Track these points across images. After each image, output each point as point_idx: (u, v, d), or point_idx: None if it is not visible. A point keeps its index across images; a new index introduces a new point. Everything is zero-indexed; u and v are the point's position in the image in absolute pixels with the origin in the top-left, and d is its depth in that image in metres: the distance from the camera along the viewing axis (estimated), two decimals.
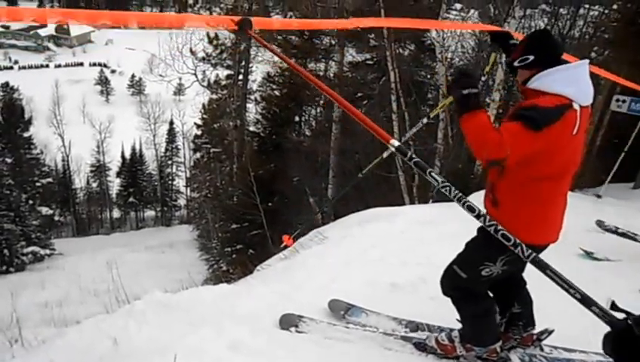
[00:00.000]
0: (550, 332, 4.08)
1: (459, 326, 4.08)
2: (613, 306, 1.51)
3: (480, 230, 3.72)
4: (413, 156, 2.78)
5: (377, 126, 3.02)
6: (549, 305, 4.50)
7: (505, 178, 3.41)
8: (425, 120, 3.97)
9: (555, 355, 4.11)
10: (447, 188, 2.67)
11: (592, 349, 4.10)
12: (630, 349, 1.50)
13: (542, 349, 4.16)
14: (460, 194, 2.68)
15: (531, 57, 3.40)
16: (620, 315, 1.80)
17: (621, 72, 9.39)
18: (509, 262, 3.55)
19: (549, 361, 4.02)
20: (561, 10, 16.66)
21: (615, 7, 15.56)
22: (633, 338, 1.48)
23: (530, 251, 2.45)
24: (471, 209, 2.63)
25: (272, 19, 11.93)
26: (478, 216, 2.59)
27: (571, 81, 3.28)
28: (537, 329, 4.10)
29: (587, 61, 3.40)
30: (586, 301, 2.03)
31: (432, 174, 2.71)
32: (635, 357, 1.49)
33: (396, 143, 2.79)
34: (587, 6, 16.30)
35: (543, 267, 2.25)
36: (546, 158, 3.21)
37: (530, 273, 3.98)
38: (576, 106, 3.24)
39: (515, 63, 3.48)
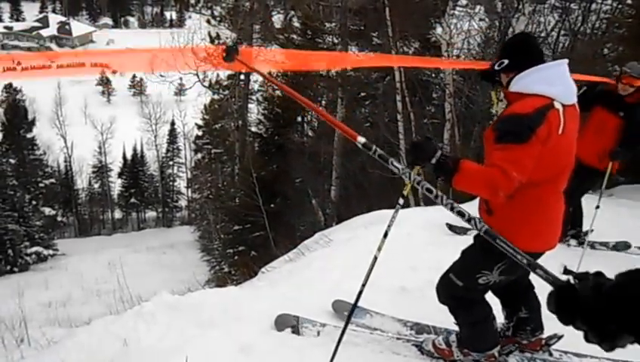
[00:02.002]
0: (560, 338, 4.07)
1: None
2: (565, 271, 1.58)
3: (476, 238, 3.74)
4: (377, 150, 2.82)
5: (343, 124, 3.09)
6: None
7: None
8: (401, 201, 3.98)
9: (565, 360, 4.11)
10: (412, 176, 2.77)
11: (603, 355, 4.10)
12: (569, 303, 1.56)
13: (551, 354, 4.15)
14: (427, 184, 2.78)
15: (506, 61, 3.43)
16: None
17: None
18: (505, 270, 3.54)
19: None
20: (572, 5, 16.44)
21: (629, 1, 15.35)
22: (573, 293, 1.54)
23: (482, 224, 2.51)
24: (429, 190, 2.72)
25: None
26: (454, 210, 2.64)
27: (550, 81, 3.26)
28: (547, 333, 4.09)
29: (566, 60, 3.39)
30: (532, 265, 2.13)
31: (394, 163, 2.76)
32: (574, 310, 1.55)
33: (362, 140, 2.84)
34: (600, 1, 16.03)
35: (493, 238, 2.34)
36: (538, 163, 3.16)
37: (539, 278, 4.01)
38: (558, 105, 3.22)
39: (495, 67, 3.49)
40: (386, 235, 3.79)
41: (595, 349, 3.98)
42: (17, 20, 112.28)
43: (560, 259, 3.81)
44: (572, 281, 1.58)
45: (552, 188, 3.44)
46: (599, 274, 1.56)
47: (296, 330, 4.44)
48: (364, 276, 3.82)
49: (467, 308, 3.81)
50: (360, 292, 3.80)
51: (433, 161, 3.05)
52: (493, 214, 3.46)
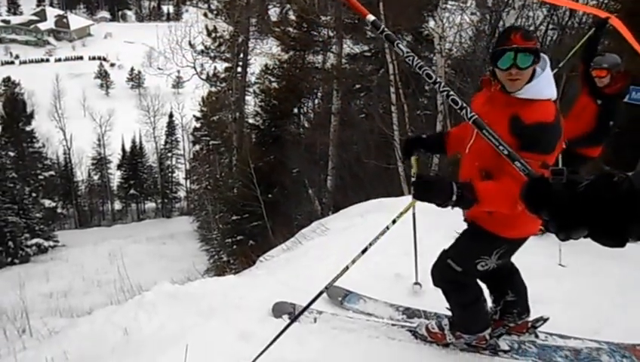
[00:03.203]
0: (545, 320, 4.17)
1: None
2: (553, 172, 1.68)
3: (470, 223, 3.77)
4: (384, 29, 2.70)
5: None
6: (544, 293, 4.62)
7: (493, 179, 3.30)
8: (392, 225, 4.18)
9: (550, 342, 4.17)
10: (411, 57, 2.62)
11: (586, 336, 4.21)
12: (540, 195, 1.68)
13: (537, 336, 4.22)
14: (422, 63, 2.62)
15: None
16: None
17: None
18: (503, 254, 3.60)
19: (538, 347, 4.08)
20: None
21: None
22: (546, 186, 1.66)
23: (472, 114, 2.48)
24: (429, 76, 2.60)
25: None
26: (458, 105, 2.56)
27: (551, 82, 3.25)
28: (533, 316, 4.17)
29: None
30: (512, 156, 2.20)
31: (400, 46, 2.63)
32: (543, 202, 1.68)
33: (372, 18, 2.71)
34: None
35: (481, 127, 2.37)
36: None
37: (527, 264, 4.11)
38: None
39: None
40: (364, 251, 3.96)
41: (578, 330, 4.08)
42: (15, 14, 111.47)
43: (541, 247, 3.92)
44: (548, 175, 1.68)
45: None
46: (574, 171, 1.66)
47: (293, 317, 4.50)
48: (338, 273, 4.10)
49: (460, 291, 3.85)
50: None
51: (454, 198, 2.96)
52: (491, 213, 3.44)
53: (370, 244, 4.20)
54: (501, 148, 2.30)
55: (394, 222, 4.34)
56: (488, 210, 3.31)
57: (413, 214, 4.97)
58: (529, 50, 3.11)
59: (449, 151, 4.05)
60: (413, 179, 3.30)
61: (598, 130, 6.45)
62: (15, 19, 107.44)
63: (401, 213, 4.35)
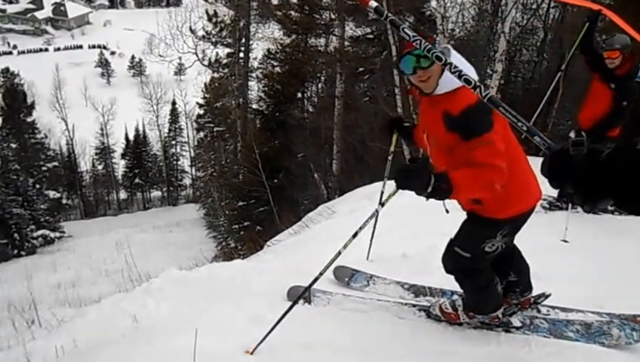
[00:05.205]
0: (547, 296, 4.22)
1: (461, 291, 4.18)
2: (574, 143, 1.63)
3: (469, 212, 3.81)
4: (389, 15, 2.61)
5: None
6: (547, 269, 4.60)
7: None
8: (380, 208, 4.30)
9: (554, 316, 4.23)
10: (418, 41, 2.52)
11: (588, 308, 4.22)
12: (562, 169, 1.65)
13: (539, 311, 4.30)
14: (430, 45, 2.52)
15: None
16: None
17: None
18: (507, 233, 3.64)
19: (549, 322, 4.12)
20: None
21: None
22: (567, 158, 1.62)
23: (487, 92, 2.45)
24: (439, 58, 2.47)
25: None
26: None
27: (464, 65, 3.22)
28: (535, 292, 4.22)
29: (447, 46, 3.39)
30: (531, 131, 2.17)
31: (406, 30, 2.53)
32: (566, 175, 1.64)
33: (374, 4, 2.58)
34: None
35: (497, 105, 2.33)
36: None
37: (531, 240, 4.10)
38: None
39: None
40: (355, 235, 4.15)
41: (580, 305, 4.07)
42: (10, 2, 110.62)
43: (544, 224, 3.91)
44: (568, 147, 1.64)
45: (512, 148, 3.43)
46: (594, 141, 1.61)
47: (308, 300, 4.56)
48: (331, 258, 4.10)
49: (471, 277, 3.87)
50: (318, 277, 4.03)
51: (429, 190, 3.01)
52: (482, 202, 3.52)
53: (361, 228, 4.26)
54: (520, 124, 2.25)
55: (382, 205, 4.43)
56: (467, 197, 3.41)
57: (376, 216, 5.00)
58: None
59: (417, 144, 4.25)
60: (389, 158, 3.35)
61: (615, 112, 6.66)
62: (11, 8, 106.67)
63: (389, 197, 4.43)
